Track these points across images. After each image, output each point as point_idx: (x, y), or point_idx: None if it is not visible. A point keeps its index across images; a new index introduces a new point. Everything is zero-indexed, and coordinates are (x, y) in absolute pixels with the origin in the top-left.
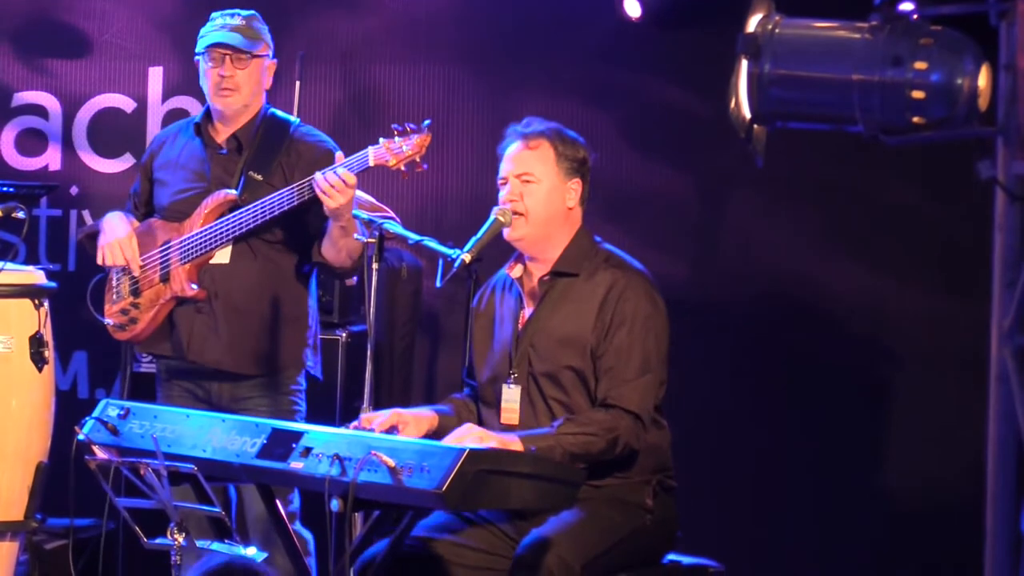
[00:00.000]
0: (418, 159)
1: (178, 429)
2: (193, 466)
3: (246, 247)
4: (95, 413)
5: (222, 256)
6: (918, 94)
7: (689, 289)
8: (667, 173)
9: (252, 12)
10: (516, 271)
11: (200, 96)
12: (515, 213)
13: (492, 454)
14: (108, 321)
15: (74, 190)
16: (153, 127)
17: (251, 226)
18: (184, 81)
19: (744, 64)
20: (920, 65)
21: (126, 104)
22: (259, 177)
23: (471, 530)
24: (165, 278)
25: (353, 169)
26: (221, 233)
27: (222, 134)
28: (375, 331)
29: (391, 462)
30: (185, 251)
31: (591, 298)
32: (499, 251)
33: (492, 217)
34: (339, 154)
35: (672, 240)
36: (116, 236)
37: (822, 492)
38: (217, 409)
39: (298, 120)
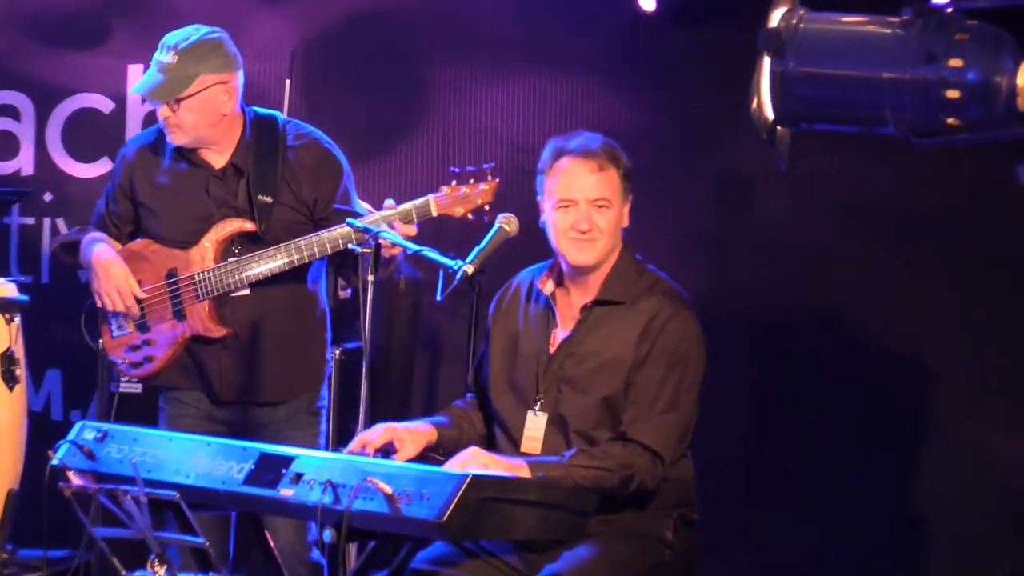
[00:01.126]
0: (487, 207)
1: (159, 453)
2: (176, 493)
3: (275, 279)
4: (70, 436)
5: (242, 289)
6: (953, 93)
7: (705, 300)
8: (683, 176)
9: (190, 37)
10: (548, 286)
11: None
12: (586, 240)
13: (496, 481)
14: (118, 361)
15: (48, 196)
16: (133, 128)
17: (285, 268)
18: None
19: (766, 61)
20: (955, 62)
21: (104, 104)
22: (268, 200)
23: (473, 563)
24: (180, 315)
25: (416, 223)
26: (245, 272)
27: (214, 159)
28: (371, 348)
29: (388, 489)
30: (202, 288)
31: (632, 325)
32: (504, 262)
33: (497, 225)
34: (389, 201)
35: (687, 246)
36: (114, 282)
37: (859, 522)
38: (237, 432)
39: (283, 117)
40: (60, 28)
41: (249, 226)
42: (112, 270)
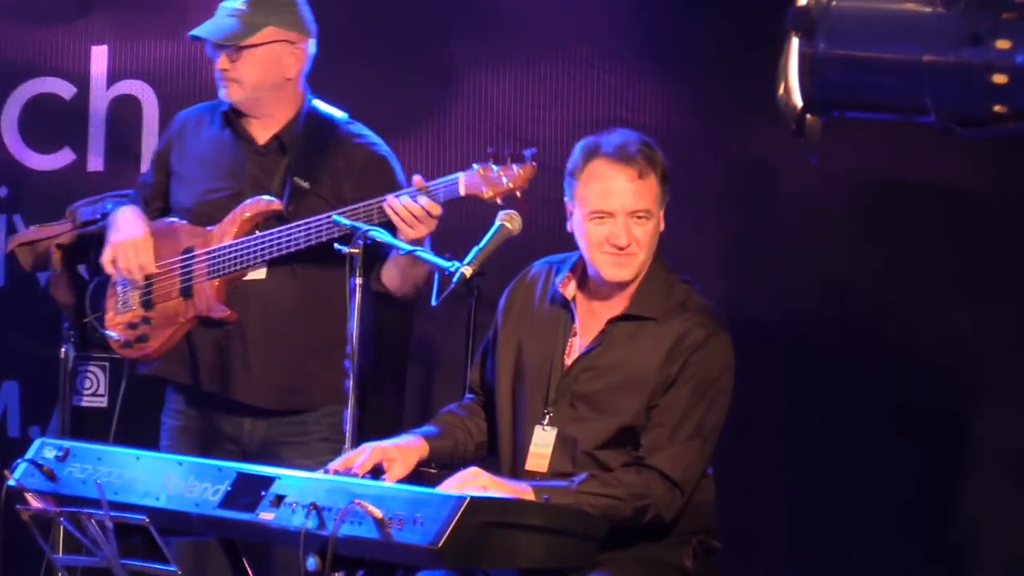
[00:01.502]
0: (519, 194)
1: (126, 474)
2: (145, 517)
3: (285, 264)
4: (28, 454)
5: (257, 272)
6: (1000, 78)
7: (725, 305)
8: (703, 169)
9: None
10: (571, 289)
11: (152, 81)
12: (626, 254)
13: (497, 504)
14: (113, 334)
15: (3, 191)
16: (97, 116)
17: (300, 247)
18: (134, 62)
19: (795, 43)
20: (1002, 44)
21: (64, 89)
22: (305, 185)
23: None
24: (187, 293)
25: (439, 198)
26: (262, 250)
27: (259, 132)
28: (359, 358)
29: (378, 513)
30: (214, 265)
31: (660, 343)
32: (506, 263)
33: (497, 223)
34: (417, 177)
35: (705, 246)
36: (130, 236)
37: (893, 549)
38: (245, 456)
39: (346, 116)
40: (16, 4)
41: (276, 205)
42: (130, 224)
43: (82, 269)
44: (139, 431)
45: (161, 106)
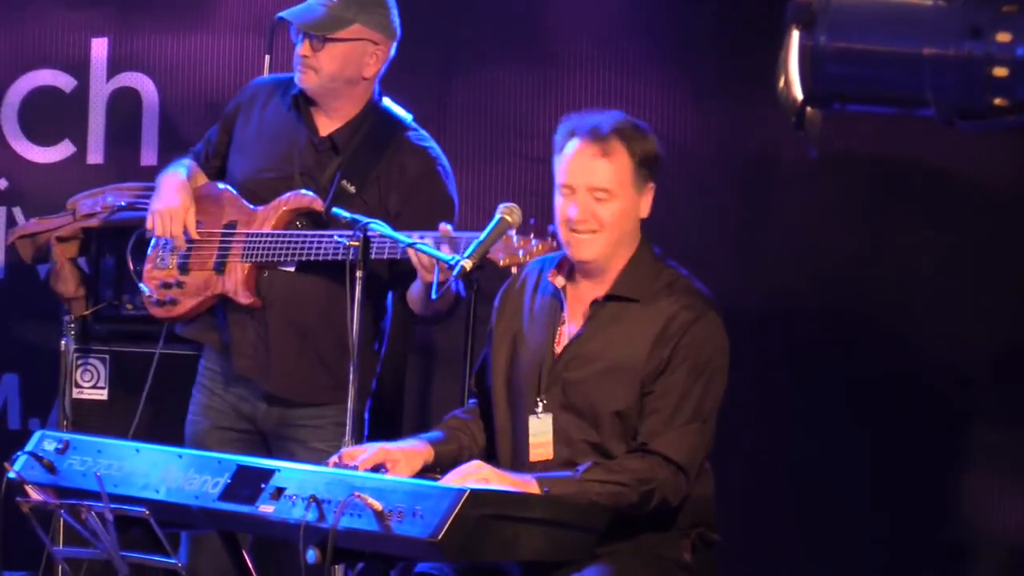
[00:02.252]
0: (526, 262)
1: (126, 466)
2: (144, 509)
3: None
4: (28, 447)
5: (288, 266)
6: (1001, 71)
7: (726, 298)
8: (702, 162)
9: None
10: (559, 280)
11: (152, 73)
12: (583, 232)
13: (497, 496)
14: (146, 289)
15: (3, 183)
16: (96, 109)
17: (329, 258)
18: (134, 55)
19: (795, 36)
20: (1003, 37)
21: (64, 81)
22: (352, 189)
23: None
24: (220, 268)
25: (460, 252)
26: (295, 249)
27: (323, 123)
28: (358, 352)
29: (378, 505)
30: (250, 249)
31: (648, 325)
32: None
33: (497, 216)
34: (444, 226)
35: (706, 239)
36: (167, 205)
37: (893, 545)
38: (263, 438)
39: (410, 118)
40: None
41: (318, 205)
42: (176, 194)
43: (82, 262)
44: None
45: (161, 98)
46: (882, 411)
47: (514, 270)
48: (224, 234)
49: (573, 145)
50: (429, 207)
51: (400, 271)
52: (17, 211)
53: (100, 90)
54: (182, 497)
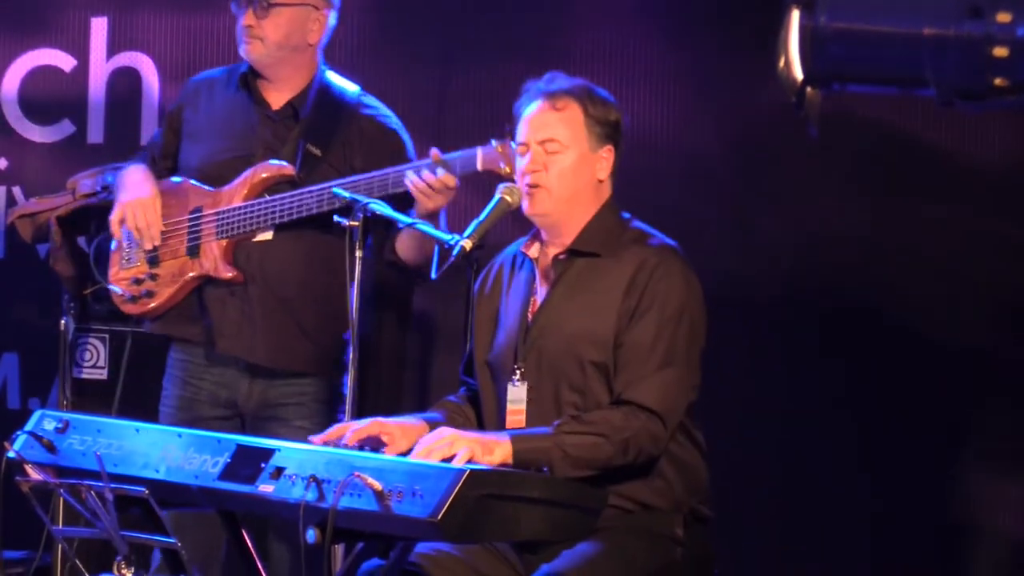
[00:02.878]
0: None
1: (126, 445)
2: (144, 489)
3: (301, 229)
4: (28, 426)
5: (264, 234)
6: (1001, 51)
7: (724, 278)
8: (700, 142)
9: None
10: (534, 250)
11: (152, 53)
12: (534, 185)
13: (496, 476)
14: (117, 289)
15: (3, 163)
16: (96, 88)
17: (313, 212)
18: (134, 34)
19: (795, 16)
20: (1003, 17)
21: (64, 61)
22: (317, 152)
23: (480, 550)
24: (194, 252)
25: (456, 171)
26: (272, 213)
27: (274, 97)
28: (358, 330)
29: (378, 485)
30: (224, 226)
31: (615, 284)
32: (504, 237)
33: (497, 196)
34: (435, 151)
35: (703, 220)
36: (138, 196)
37: (891, 523)
38: (242, 421)
39: (359, 89)
40: None
41: (289, 170)
42: (138, 183)
43: (82, 241)
44: (140, 403)
45: (161, 78)
46: (879, 394)
47: (510, 202)
48: (192, 219)
49: (529, 108)
50: (391, 162)
51: (376, 226)
52: (17, 191)
53: (100, 69)
54: (182, 476)
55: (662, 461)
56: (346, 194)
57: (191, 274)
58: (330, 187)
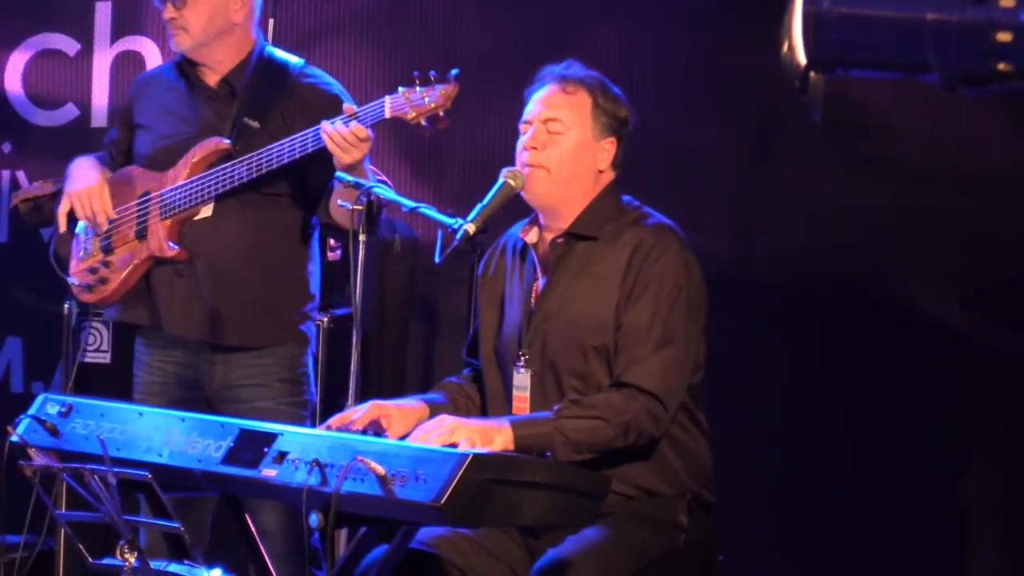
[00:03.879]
0: (441, 113)
1: (129, 429)
2: (147, 473)
3: (234, 200)
4: (32, 410)
5: (204, 211)
6: (1004, 36)
7: (729, 265)
8: (705, 129)
9: None
10: (531, 236)
11: (156, 37)
12: (533, 165)
13: (499, 461)
14: (73, 280)
15: (7, 147)
16: (101, 72)
17: (244, 180)
18: (138, 18)
19: (799, 1)
20: (1007, 2)
21: (68, 45)
22: (255, 124)
23: (490, 530)
24: (141, 234)
25: (366, 121)
26: (209, 187)
27: (210, 77)
28: (362, 315)
29: (381, 470)
30: (166, 205)
31: (614, 267)
32: (508, 221)
33: (501, 180)
34: (348, 105)
35: (709, 207)
36: (85, 184)
37: (893, 509)
38: (208, 403)
39: (302, 61)
40: None
41: (224, 145)
42: (85, 172)
43: None
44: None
45: (164, 62)
46: (880, 383)
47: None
48: (139, 204)
49: (540, 90)
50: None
51: (304, 185)
52: (21, 175)
53: (104, 54)
54: (185, 461)
55: (665, 445)
56: (350, 178)
57: (140, 257)
58: (260, 154)
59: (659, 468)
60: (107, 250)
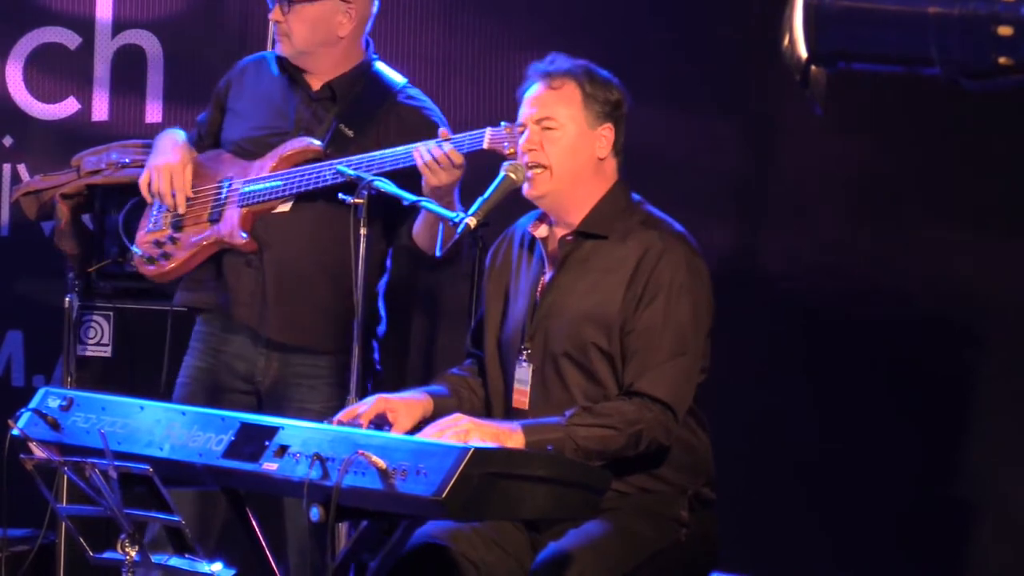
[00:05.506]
0: None
1: (130, 423)
2: (148, 467)
3: (313, 204)
4: (32, 404)
5: (283, 207)
6: (1006, 30)
7: (735, 262)
8: (709, 124)
9: None
10: (541, 230)
11: (157, 31)
12: (536, 166)
13: (501, 454)
14: (137, 251)
15: (8, 141)
16: (102, 66)
17: (328, 184)
18: (139, 11)
19: None
20: None
21: (69, 39)
22: (350, 133)
23: (496, 522)
24: (216, 218)
25: (463, 149)
26: (293, 184)
27: (314, 80)
28: (363, 308)
29: (382, 463)
30: (247, 194)
31: (620, 266)
32: (509, 214)
33: (502, 174)
34: (444, 129)
35: (714, 203)
36: (166, 161)
37: (896, 506)
38: (258, 396)
39: (406, 81)
40: None
41: (315, 146)
42: (170, 148)
43: (87, 219)
44: (146, 380)
45: (166, 56)
46: (886, 381)
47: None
48: (218, 187)
49: (529, 89)
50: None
51: (387, 205)
52: (22, 168)
53: (105, 47)
54: (186, 454)
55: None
56: (351, 172)
57: (209, 240)
58: (340, 163)
59: (660, 465)
60: (176, 227)
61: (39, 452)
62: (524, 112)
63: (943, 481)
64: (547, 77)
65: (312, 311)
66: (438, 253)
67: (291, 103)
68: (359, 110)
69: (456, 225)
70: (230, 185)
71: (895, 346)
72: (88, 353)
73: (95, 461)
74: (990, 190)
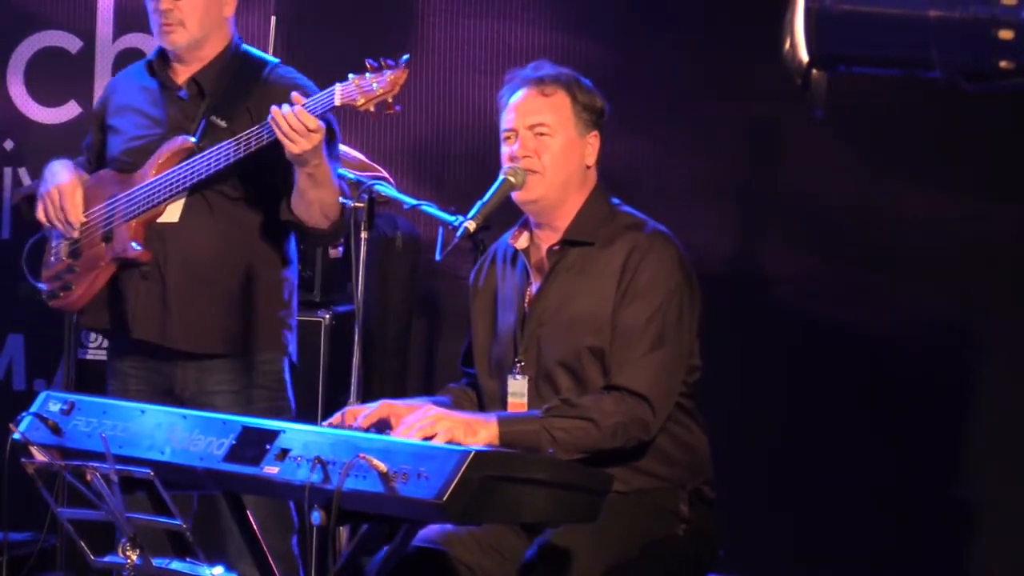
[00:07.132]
0: (390, 99)
1: (131, 427)
2: (149, 471)
3: (201, 202)
4: (33, 408)
5: (171, 214)
6: (1006, 34)
7: (731, 264)
8: (706, 127)
9: None
10: (521, 241)
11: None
12: (529, 171)
13: (501, 458)
14: (42, 286)
15: (9, 144)
16: (103, 70)
17: (203, 175)
18: (140, 14)
19: None
20: (1009, 0)
21: (70, 43)
22: (222, 123)
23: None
24: (107, 237)
25: (315, 110)
26: (170, 184)
27: (181, 75)
28: (364, 312)
29: (383, 467)
30: (131, 206)
31: (608, 271)
32: (509, 218)
33: (501, 177)
34: (295, 94)
35: (711, 204)
36: (57, 184)
37: (894, 504)
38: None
39: (276, 60)
40: None
41: (188, 144)
42: (57, 173)
43: None
44: None
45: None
46: (883, 376)
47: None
48: (107, 206)
49: (515, 95)
50: None
51: (271, 185)
52: (22, 172)
53: (106, 51)
54: (187, 458)
55: (666, 442)
56: (351, 175)
57: (105, 260)
58: (219, 148)
59: (659, 464)
60: (75, 255)
61: (40, 456)
62: (512, 118)
63: (943, 481)
64: (537, 83)
65: (219, 316)
66: (438, 257)
67: (162, 106)
68: (228, 98)
69: (455, 228)
70: (116, 201)
71: (895, 346)
72: (89, 357)
73: (96, 465)
74: (990, 189)
